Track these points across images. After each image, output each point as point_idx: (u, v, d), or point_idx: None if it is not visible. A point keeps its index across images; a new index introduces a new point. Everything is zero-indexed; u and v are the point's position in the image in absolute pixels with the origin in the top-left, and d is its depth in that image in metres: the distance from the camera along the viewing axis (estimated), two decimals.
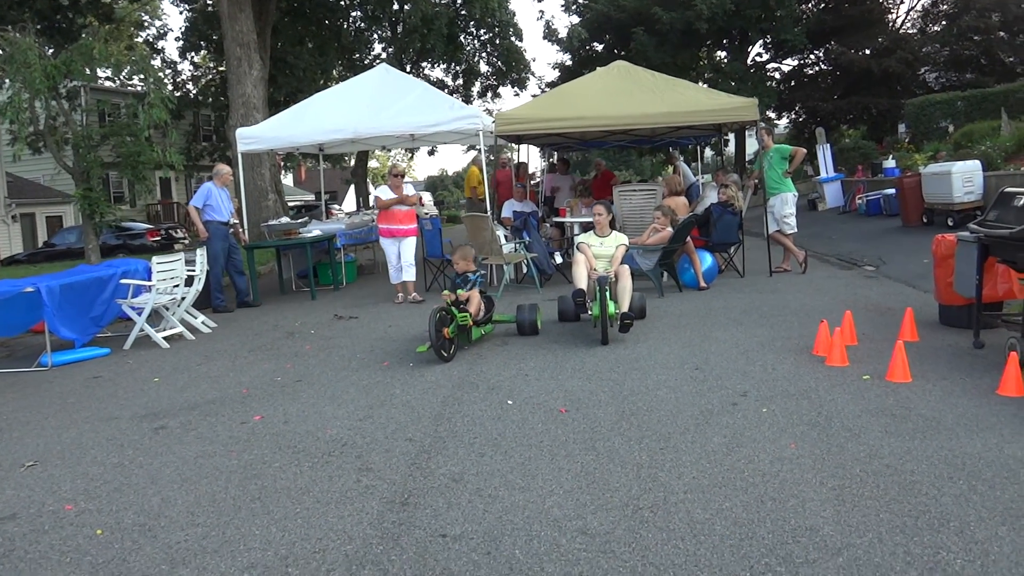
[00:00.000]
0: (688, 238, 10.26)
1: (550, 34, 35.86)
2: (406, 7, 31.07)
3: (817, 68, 35.64)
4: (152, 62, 18.72)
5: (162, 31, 32.74)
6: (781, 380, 5.80)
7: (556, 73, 37.71)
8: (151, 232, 29.10)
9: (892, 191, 16.87)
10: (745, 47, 33.31)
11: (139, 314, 8.90)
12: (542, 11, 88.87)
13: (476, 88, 37.82)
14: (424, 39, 30.71)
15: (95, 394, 6.88)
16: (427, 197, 40.14)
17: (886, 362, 5.83)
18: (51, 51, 17.72)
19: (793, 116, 36.16)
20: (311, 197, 50.24)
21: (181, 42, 33.60)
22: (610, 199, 12.47)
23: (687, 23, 28.51)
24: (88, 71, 14.59)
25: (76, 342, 8.58)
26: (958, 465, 4.03)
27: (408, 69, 32.13)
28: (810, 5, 32.81)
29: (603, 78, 12.45)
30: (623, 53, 26.94)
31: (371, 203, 11.18)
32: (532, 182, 16.31)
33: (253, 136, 13.09)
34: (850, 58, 30.55)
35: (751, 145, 37.33)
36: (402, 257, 10.72)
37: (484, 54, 37.22)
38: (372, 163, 57.97)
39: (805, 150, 11.95)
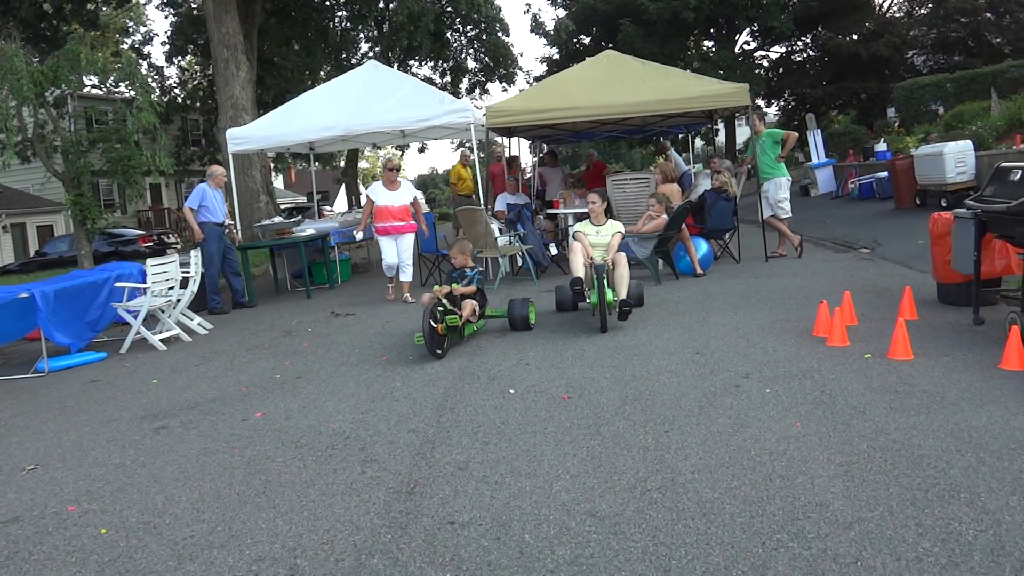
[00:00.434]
0: (683, 225, 10.25)
1: (537, 27, 35.85)
2: (392, 5, 30.98)
3: (805, 55, 35.71)
4: (139, 68, 18.57)
5: (147, 36, 32.54)
6: (783, 361, 5.78)
7: (544, 67, 37.72)
8: (143, 238, 28.95)
9: (884, 174, 16.88)
10: (732, 35, 33.34)
11: (135, 317, 8.85)
12: (528, 4, 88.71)
13: (464, 85, 37.73)
14: (411, 37, 30.61)
15: (93, 397, 6.84)
16: (419, 196, 40.14)
17: (887, 341, 5.82)
18: (37, 60, 17.62)
19: (782, 103, 36.20)
20: (302, 199, 50.14)
21: (167, 46, 33.48)
22: (603, 189, 12.47)
23: (674, 12, 28.52)
24: (75, 77, 14.51)
25: (72, 347, 8.52)
26: (965, 438, 4.02)
27: (395, 67, 32.01)
28: None
29: (593, 68, 12.42)
30: (610, 45, 26.88)
31: (363, 202, 10.71)
32: (524, 176, 16.28)
33: (243, 136, 13.04)
34: (838, 43, 30.60)
35: (741, 134, 37.40)
36: (400, 256, 10.44)
37: (471, 50, 37.14)
38: (362, 163, 57.90)
39: (797, 134, 11.94)
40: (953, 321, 6.57)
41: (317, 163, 24.93)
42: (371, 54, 33.93)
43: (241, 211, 15.87)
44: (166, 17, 42.04)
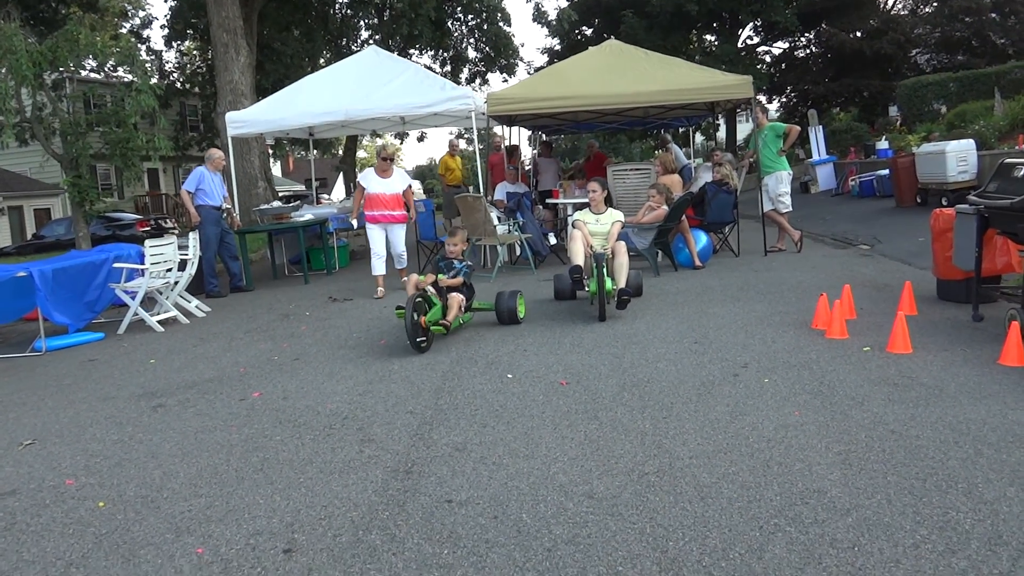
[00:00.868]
0: (683, 217, 10.24)
1: (539, 16, 35.74)
2: None
3: (808, 51, 35.66)
4: (138, 52, 18.51)
5: (146, 20, 32.39)
6: (782, 352, 5.78)
7: (545, 58, 37.64)
8: (140, 223, 28.88)
9: (885, 172, 16.88)
10: (736, 30, 33.29)
11: (132, 298, 8.84)
12: None
13: (464, 75, 37.59)
14: (411, 25, 30.52)
15: (91, 376, 6.83)
16: (416, 185, 40.13)
17: (886, 335, 5.81)
18: (33, 40, 17.57)
19: (784, 99, 36.17)
20: (300, 187, 50.06)
21: (166, 30, 33.35)
22: (604, 178, 12.45)
23: (677, 5, 28.47)
24: (74, 59, 14.44)
25: (70, 327, 8.50)
26: (963, 431, 4.02)
27: (393, 54, 31.97)
28: None
29: (596, 57, 12.38)
30: (612, 37, 26.87)
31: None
32: (524, 167, 16.28)
33: (243, 120, 13.00)
34: (841, 40, 30.55)
35: (742, 129, 37.38)
36: (393, 247, 10.02)
37: (472, 40, 37.03)
38: (360, 153, 57.81)
39: (799, 128, 11.93)
40: (952, 317, 6.57)
41: (316, 150, 24.88)
42: (371, 41, 33.83)
43: (239, 196, 15.85)
44: (165, 1, 41.82)
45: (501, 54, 35.77)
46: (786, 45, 35.60)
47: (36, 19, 23.94)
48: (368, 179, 9.94)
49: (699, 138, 33.67)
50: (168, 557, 3.26)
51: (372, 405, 5.18)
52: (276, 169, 49.09)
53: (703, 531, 3.14)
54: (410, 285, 6.84)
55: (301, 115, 12.68)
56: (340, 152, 39.88)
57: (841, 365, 5.34)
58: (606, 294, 7.28)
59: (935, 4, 31.77)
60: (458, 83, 35.53)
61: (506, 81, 37.70)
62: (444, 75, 35.38)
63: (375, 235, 9.96)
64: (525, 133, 17.95)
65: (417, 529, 3.33)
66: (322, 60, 32.07)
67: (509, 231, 11.20)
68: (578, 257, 7.57)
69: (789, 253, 11.09)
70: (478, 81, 37.94)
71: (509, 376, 5.66)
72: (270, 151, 26.00)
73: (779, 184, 11.21)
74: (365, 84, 12.54)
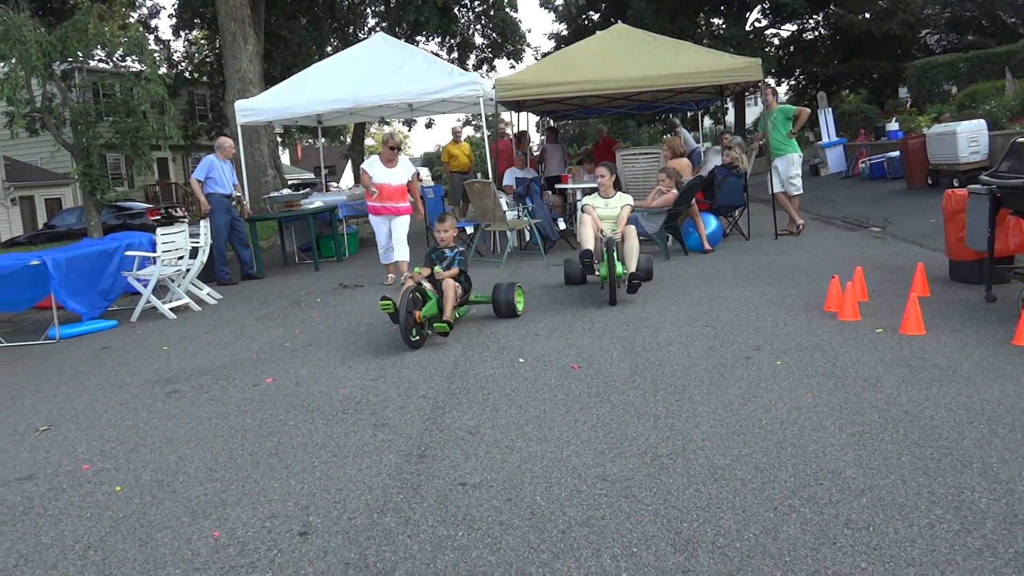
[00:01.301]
0: (693, 201, 10.21)
1: (546, 2, 35.61)
2: None
3: (816, 33, 35.36)
4: (147, 41, 18.56)
5: (154, 10, 32.44)
6: (794, 335, 5.77)
7: (552, 44, 37.50)
8: (151, 211, 28.94)
9: (896, 154, 16.76)
10: (743, 12, 33.02)
11: (145, 286, 8.87)
12: None
13: (471, 61, 37.52)
14: (418, 11, 30.46)
15: (105, 363, 6.87)
16: (424, 172, 40.12)
17: (898, 316, 5.79)
18: (41, 30, 17.62)
19: (793, 82, 35.93)
20: (309, 175, 50.11)
21: (174, 19, 33.35)
22: (612, 164, 12.42)
23: None
24: (83, 49, 14.46)
25: (85, 316, 8.54)
26: (977, 411, 4.01)
27: (401, 41, 31.92)
28: None
29: (603, 41, 12.33)
30: (620, 21, 26.76)
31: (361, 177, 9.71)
32: (533, 152, 16.25)
33: (252, 108, 13.00)
34: (850, 21, 30.28)
35: (751, 112, 37.20)
36: (393, 235, 9.56)
37: (479, 26, 36.94)
38: (368, 140, 57.76)
39: (809, 110, 11.86)
40: (965, 298, 6.54)
41: (324, 138, 24.88)
42: (378, 29, 33.77)
43: (249, 184, 15.87)
44: None
45: (508, 40, 35.71)
46: (794, 27, 35.31)
47: (44, 9, 23.99)
48: (373, 168, 9.56)
49: (708, 121, 33.51)
50: (185, 540, 3.28)
51: (384, 390, 5.19)
52: (285, 157, 49.13)
53: (717, 512, 3.15)
54: (407, 282, 6.49)
55: (310, 103, 12.67)
56: (348, 140, 39.86)
57: (854, 347, 5.32)
58: (617, 278, 7.26)
59: None
60: (465, 69, 35.54)
61: (513, 67, 37.66)
62: (451, 62, 35.32)
63: (379, 227, 9.68)
64: (533, 119, 17.91)
65: (431, 512, 3.34)
66: (329, 48, 32.06)
67: (518, 216, 11.19)
68: (588, 242, 7.55)
69: (798, 236, 11.04)
70: (485, 67, 37.89)
71: (521, 360, 5.66)
72: (279, 139, 26.01)
73: (790, 167, 11.16)
74: (373, 71, 12.52)
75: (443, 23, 33.11)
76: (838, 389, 4.49)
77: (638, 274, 7.24)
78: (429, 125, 38.69)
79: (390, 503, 3.45)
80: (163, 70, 20.02)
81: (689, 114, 22.80)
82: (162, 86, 13.94)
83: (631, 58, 11.37)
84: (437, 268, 6.75)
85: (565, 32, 36.84)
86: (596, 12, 35.93)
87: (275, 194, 13.53)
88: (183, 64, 34.95)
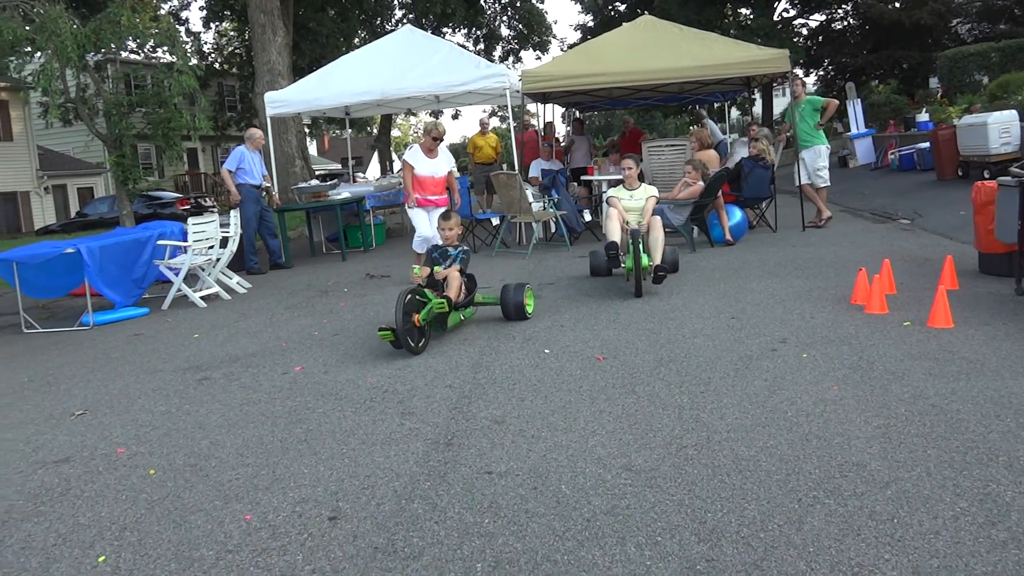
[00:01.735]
0: (718, 193, 10.19)
1: None
2: None
3: (845, 22, 35.00)
4: (178, 33, 18.81)
5: (184, 2, 32.74)
6: (820, 327, 5.76)
7: (578, 35, 37.44)
8: (181, 201, 29.29)
9: (926, 145, 16.61)
10: (771, 2, 32.79)
11: (176, 274, 9.00)
12: None
13: (497, 53, 37.57)
14: (444, 3, 30.51)
15: (138, 349, 7.00)
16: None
17: (926, 309, 5.77)
18: (74, 24, 17.88)
19: (822, 72, 35.62)
20: (335, 166, 50.36)
21: (205, 11, 33.63)
22: (639, 156, 12.41)
23: None
24: (116, 40, 14.65)
25: (119, 303, 8.67)
26: (1004, 404, 4.00)
27: (428, 33, 32.02)
28: None
29: (630, 33, 12.31)
30: (646, 12, 26.65)
31: (399, 167, 9.38)
32: (561, 144, 16.26)
33: (281, 100, 13.12)
34: (879, 11, 29.94)
35: (778, 103, 36.92)
36: (433, 226, 9.01)
37: (505, 17, 36.96)
38: (394, 131, 57.94)
39: (837, 102, 11.78)
40: (995, 291, 6.50)
41: (351, 129, 25.02)
42: (405, 20, 33.87)
43: (277, 175, 16.02)
44: None
45: (534, 31, 35.70)
46: (823, 17, 34.99)
47: (78, 1, 24.26)
48: (416, 159, 9.04)
49: (735, 113, 33.33)
50: (218, 523, 3.36)
51: (411, 379, 5.25)
52: (312, 148, 49.37)
53: (741, 503, 3.17)
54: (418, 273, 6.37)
55: (338, 95, 12.77)
56: (375, 130, 40.02)
57: (881, 340, 5.31)
58: (642, 270, 7.28)
59: None
60: (491, 61, 35.58)
61: (539, 58, 37.70)
62: (477, 53, 35.39)
63: (421, 218, 9.05)
64: (559, 110, 17.91)
65: (458, 499, 3.40)
66: (357, 40, 32.21)
67: (544, 208, 11.22)
68: (613, 234, 7.56)
69: (826, 228, 10.98)
70: (511, 59, 37.94)
71: (546, 351, 5.70)
72: (306, 130, 26.17)
73: (817, 158, 11.10)
74: (401, 63, 12.57)
75: (469, 15, 33.18)
76: (864, 382, 4.49)
77: (663, 266, 7.26)
78: (456, 116, 38.76)
79: (418, 490, 3.51)
80: (193, 61, 20.18)
81: (716, 105, 22.66)
82: (193, 78, 14.09)
83: (657, 50, 11.34)
84: (438, 268, 6.48)
85: (591, 23, 36.74)
86: (622, 3, 35.81)
87: (303, 185, 13.64)
88: (213, 56, 35.23)
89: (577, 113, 18.08)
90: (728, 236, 10.17)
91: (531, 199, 11.05)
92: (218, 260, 9.52)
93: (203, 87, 24.62)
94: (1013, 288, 6.36)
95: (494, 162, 17.26)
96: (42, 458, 4.37)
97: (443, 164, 9.15)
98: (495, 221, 12.30)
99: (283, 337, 6.93)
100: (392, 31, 29.22)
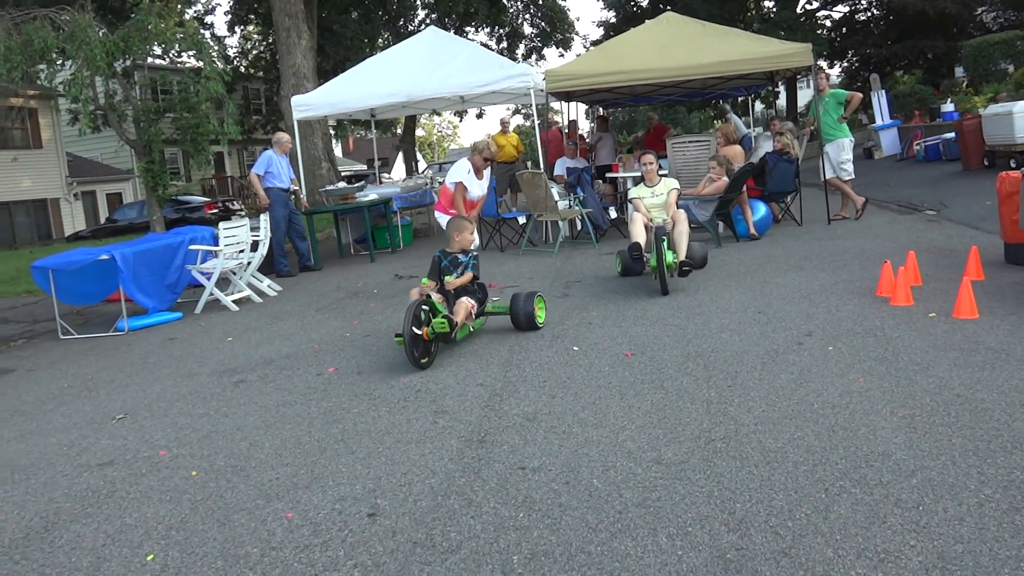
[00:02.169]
0: (743, 188, 10.21)
1: None
2: None
3: (869, 13, 34.79)
4: (205, 40, 19.06)
5: (208, 6, 33.12)
6: (846, 320, 5.81)
7: (600, 31, 37.41)
8: (209, 205, 29.63)
9: (951, 135, 16.52)
10: None
11: (208, 279, 9.16)
12: None
13: (520, 51, 37.65)
14: (467, 2, 30.64)
15: (173, 354, 7.15)
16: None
17: (952, 300, 5.79)
18: (102, 32, 18.18)
19: (846, 64, 35.39)
20: (361, 166, 50.66)
21: (229, 16, 33.95)
22: (663, 152, 12.46)
23: None
24: (145, 47, 14.89)
25: (152, 309, 8.85)
26: None
27: (452, 34, 32.16)
28: None
29: (652, 30, 12.35)
30: (668, 7, 26.61)
31: (444, 180, 8.83)
32: (586, 140, 16.32)
33: (308, 104, 13.28)
34: (903, 1, 29.74)
35: (803, 96, 36.71)
36: None
37: (527, 15, 37.03)
38: (419, 131, 58.18)
39: (861, 95, 11.76)
40: (1020, 281, 6.50)
41: (376, 130, 25.26)
42: (428, 21, 34.04)
43: (304, 178, 16.20)
44: None
45: (557, 29, 35.74)
46: (846, 8, 34.82)
47: (104, 8, 24.61)
48: (471, 181, 8.67)
49: (759, 106, 33.19)
50: (261, 521, 3.47)
51: (443, 378, 5.36)
52: (337, 149, 49.71)
53: (769, 493, 3.25)
54: (412, 297, 5.86)
55: (364, 97, 12.92)
56: (399, 131, 40.22)
57: (906, 332, 5.35)
58: (667, 267, 7.27)
59: None
60: (514, 59, 35.65)
61: (562, 56, 37.85)
62: (500, 52, 35.51)
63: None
64: (583, 108, 17.97)
65: (493, 494, 3.49)
66: (380, 41, 32.40)
67: (570, 206, 11.29)
68: (638, 236, 7.56)
69: (852, 221, 10.98)
70: (534, 57, 38.01)
71: (575, 348, 5.79)
72: (332, 132, 26.38)
73: (841, 152, 11.08)
74: (425, 65, 12.70)
75: (492, 13, 33.28)
76: (890, 374, 4.54)
77: (688, 260, 7.31)
78: (480, 115, 38.88)
79: (453, 486, 3.61)
80: (219, 65, 20.45)
81: (740, 99, 22.63)
82: (221, 84, 14.28)
83: (680, 46, 11.37)
84: (448, 278, 6.13)
85: (613, 19, 36.70)
86: None
87: (331, 187, 13.80)
88: (237, 60, 35.58)
89: (601, 110, 18.12)
90: (752, 231, 10.19)
91: (556, 197, 11.12)
92: (249, 264, 9.68)
93: (229, 92, 24.97)
94: None
95: (516, 161, 17.36)
96: (86, 461, 4.51)
97: (486, 183, 8.99)
98: (521, 220, 12.39)
99: (315, 339, 7.07)
100: (415, 31, 29.47)
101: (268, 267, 10.91)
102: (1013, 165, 12.90)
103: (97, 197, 35.64)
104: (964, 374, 4.40)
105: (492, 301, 6.88)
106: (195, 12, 36.31)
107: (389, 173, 50.79)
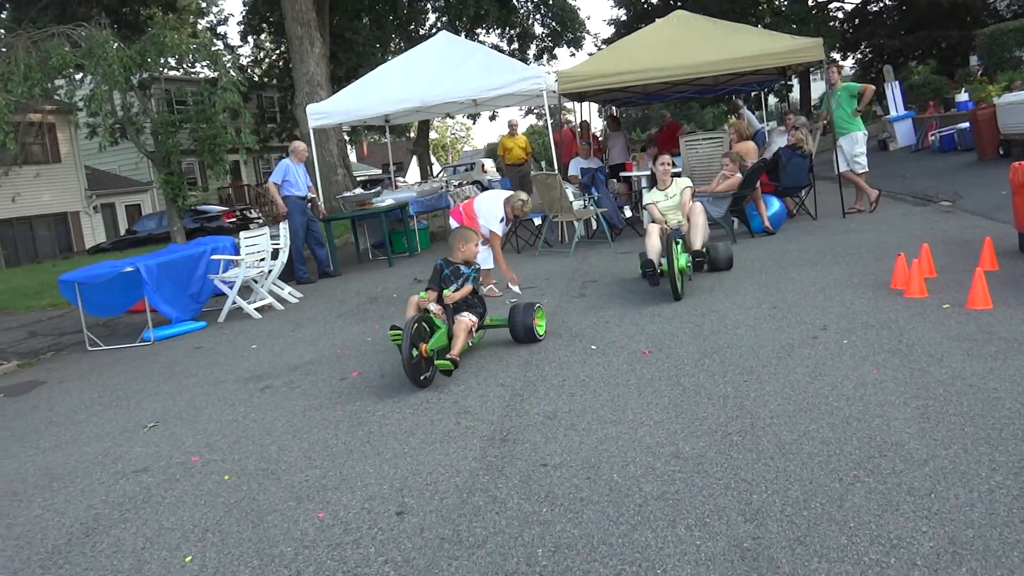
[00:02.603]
0: (757, 184, 10.27)
1: None
2: None
3: (881, 4, 34.65)
4: (221, 52, 19.31)
5: (220, 17, 33.52)
6: (860, 313, 5.87)
7: (612, 30, 37.43)
8: (227, 214, 29.88)
9: (966, 125, 16.50)
10: None
11: (230, 288, 9.32)
12: None
13: (532, 51, 37.74)
14: (477, 4, 30.76)
15: (199, 362, 7.31)
16: (489, 164, 40.43)
17: (966, 291, 5.84)
18: (116, 45, 18.45)
19: (859, 56, 35.27)
20: (376, 171, 50.87)
21: (242, 26, 34.26)
22: (676, 150, 12.53)
23: None
24: (161, 60, 15.11)
25: (175, 319, 9.01)
26: None
27: (463, 36, 32.28)
28: None
29: (663, 29, 12.44)
30: (679, 4, 26.64)
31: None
32: (599, 139, 16.40)
33: (323, 112, 13.44)
34: None
35: (816, 89, 36.61)
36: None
37: (538, 16, 37.11)
38: (432, 134, 58.40)
39: (874, 87, 11.79)
40: None
41: (391, 134, 25.46)
42: (438, 24, 34.20)
43: (320, 184, 16.37)
44: None
45: (568, 28, 35.81)
46: (858, 0, 34.68)
47: (119, 22, 24.92)
48: (502, 228, 8.64)
49: (772, 100, 33.13)
50: (293, 521, 3.60)
51: (465, 379, 5.48)
52: (351, 154, 49.99)
53: (785, 484, 3.34)
54: (411, 307, 5.80)
55: (378, 103, 13.07)
56: (413, 135, 40.40)
57: (920, 323, 5.42)
58: (680, 272, 7.11)
59: None
60: (526, 59, 35.76)
61: (573, 55, 38.00)
62: (512, 53, 35.60)
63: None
64: (595, 107, 18.05)
65: (516, 491, 3.60)
66: (392, 46, 32.57)
67: (585, 206, 11.38)
68: (652, 252, 7.31)
69: (867, 213, 11.01)
70: (545, 57, 38.09)
71: (593, 347, 5.89)
72: (347, 138, 26.57)
73: (854, 145, 11.12)
74: (438, 70, 12.84)
75: (502, 14, 33.38)
76: (903, 365, 4.61)
77: (701, 251, 7.35)
78: (493, 117, 39.07)
79: (478, 484, 3.73)
80: (234, 75, 20.69)
81: (753, 94, 22.63)
82: (238, 94, 14.46)
83: (690, 44, 11.45)
84: (447, 291, 5.96)
85: (624, 17, 36.73)
86: None
87: (348, 194, 13.95)
88: (251, 68, 35.87)
89: (613, 110, 18.20)
90: (767, 226, 10.25)
91: (571, 198, 11.22)
92: (270, 272, 9.83)
93: (244, 100, 25.24)
94: None
95: (524, 162, 17.53)
96: (121, 469, 4.66)
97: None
98: (537, 221, 12.49)
99: (338, 344, 7.20)
100: (427, 35, 29.60)
101: (288, 274, 11.06)
102: None
103: (116, 209, 36.00)
104: (977, 364, 4.47)
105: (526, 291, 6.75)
106: (208, 23, 36.71)
107: (404, 177, 51.03)
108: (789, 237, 9.88)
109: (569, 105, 15.64)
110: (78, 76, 15.25)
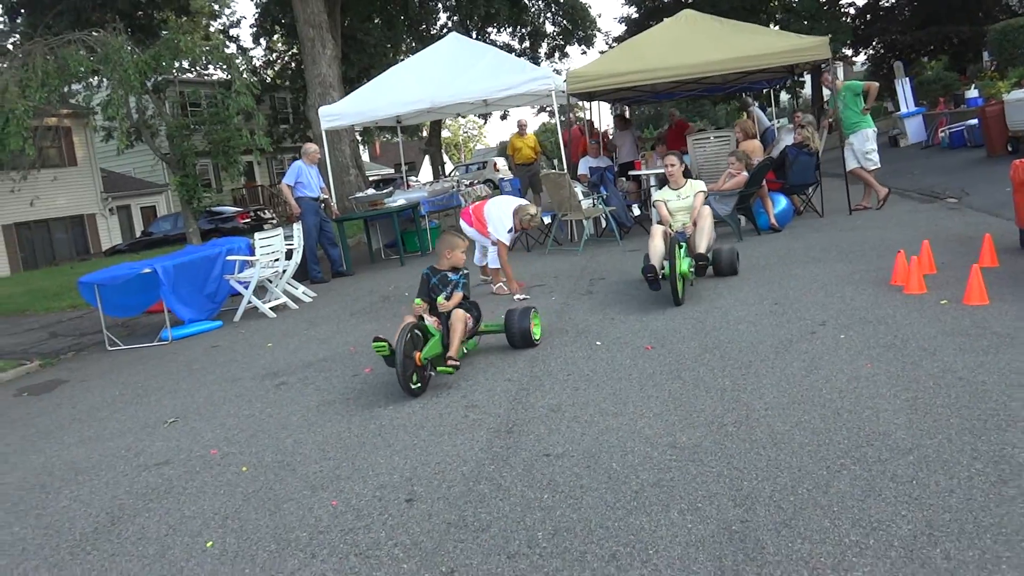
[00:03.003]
0: (763, 182, 10.40)
1: None
2: None
3: None
4: (235, 55, 19.57)
5: (232, 19, 33.86)
6: (859, 309, 6.01)
7: (622, 27, 37.51)
8: (241, 215, 30.18)
9: (975, 121, 16.55)
10: None
11: (246, 288, 9.53)
12: None
13: (543, 50, 37.90)
14: (488, 3, 30.94)
15: (216, 360, 7.52)
16: (501, 163, 40.61)
17: (964, 288, 5.97)
18: (131, 50, 18.73)
19: (870, 52, 35.24)
20: (388, 171, 51.13)
21: (255, 28, 34.53)
22: (684, 149, 12.66)
23: None
24: (176, 64, 15.35)
25: (192, 319, 9.22)
26: None
27: (474, 36, 32.46)
28: None
29: (671, 28, 12.57)
30: (689, 1, 26.70)
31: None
32: (609, 137, 16.54)
33: (335, 113, 13.65)
34: None
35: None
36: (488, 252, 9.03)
37: (549, 14, 37.24)
38: (444, 132, 58.60)
39: (877, 84, 11.90)
40: None
41: (403, 134, 25.66)
42: (449, 24, 34.39)
43: (333, 185, 16.59)
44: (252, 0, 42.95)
45: (578, 27, 35.93)
46: None
47: (133, 27, 25.22)
48: (506, 236, 8.62)
49: (784, 96, 33.16)
50: (308, 509, 3.79)
51: (472, 375, 5.66)
52: (364, 154, 50.25)
53: (775, 472, 3.50)
54: (407, 317, 5.69)
55: (389, 105, 13.27)
56: (425, 134, 40.62)
57: (916, 319, 5.55)
58: (683, 276, 7.03)
59: None
60: (537, 58, 35.93)
61: (584, 53, 37.99)
62: (523, 51, 35.77)
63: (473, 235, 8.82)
64: (606, 106, 18.18)
65: (520, 479, 3.78)
66: (403, 46, 32.77)
67: (594, 205, 11.54)
68: (654, 256, 7.23)
69: (873, 211, 11.12)
70: (557, 55, 38.24)
71: (598, 343, 6.06)
72: (359, 138, 26.80)
73: (865, 142, 11.21)
74: (449, 71, 13.03)
75: (513, 13, 33.54)
76: (897, 359, 4.76)
77: (704, 256, 7.44)
78: (504, 117, 39.20)
79: (483, 473, 3.91)
80: (246, 75, 20.94)
81: (764, 91, 22.71)
82: (251, 97, 14.68)
83: (698, 44, 11.58)
84: (440, 299, 5.86)
85: (635, 15, 36.82)
86: None
87: (360, 194, 14.16)
88: (263, 71, 36.14)
89: (623, 109, 18.32)
90: (774, 223, 10.38)
91: (580, 196, 11.38)
92: (284, 272, 10.04)
93: (257, 102, 25.50)
94: None
95: (533, 162, 17.72)
96: (144, 462, 4.86)
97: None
98: (546, 220, 12.66)
99: (350, 342, 7.39)
100: (438, 35, 29.80)
101: (302, 274, 11.27)
102: None
103: (132, 211, 36.36)
104: (968, 358, 4.61)
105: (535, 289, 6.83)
106: (221, 24, 37.00)
107: (416, 176, 51.29)
108: (795, 234, 10.00)
109: (582, 103, 15.78)
110: (94, 81, 15.51)
